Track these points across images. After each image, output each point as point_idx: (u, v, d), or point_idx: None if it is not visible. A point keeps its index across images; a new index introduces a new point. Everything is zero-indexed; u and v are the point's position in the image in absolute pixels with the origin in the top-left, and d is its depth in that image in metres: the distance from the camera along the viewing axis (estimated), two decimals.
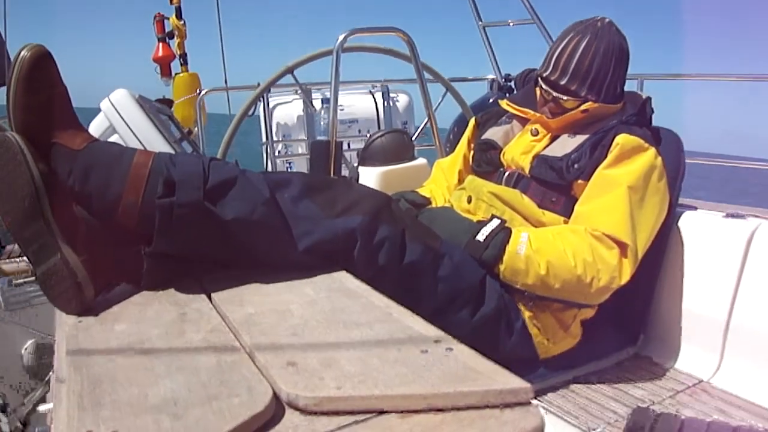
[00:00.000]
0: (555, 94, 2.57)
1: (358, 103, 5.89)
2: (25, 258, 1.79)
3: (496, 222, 2.33)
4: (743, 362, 2.60)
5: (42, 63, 1.69)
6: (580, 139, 2.50)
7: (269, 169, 5.71)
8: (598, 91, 2.55)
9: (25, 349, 3.35)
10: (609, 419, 2.35)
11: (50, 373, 3.25)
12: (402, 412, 1.08)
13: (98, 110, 3.45)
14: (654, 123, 2.66)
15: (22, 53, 1.66)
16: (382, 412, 1.08)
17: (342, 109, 6.17)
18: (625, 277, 2.32)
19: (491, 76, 6.23)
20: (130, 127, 3.18)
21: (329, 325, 1.42)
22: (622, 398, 2.49)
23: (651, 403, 2.44)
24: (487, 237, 2.27)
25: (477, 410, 1.08)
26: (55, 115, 1.72)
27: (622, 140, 2.40)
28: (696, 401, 2.49)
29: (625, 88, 2.71)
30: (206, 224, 1.72)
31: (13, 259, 3.58)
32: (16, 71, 1.66)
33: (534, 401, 1.11)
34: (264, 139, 5.90)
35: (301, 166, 6.39)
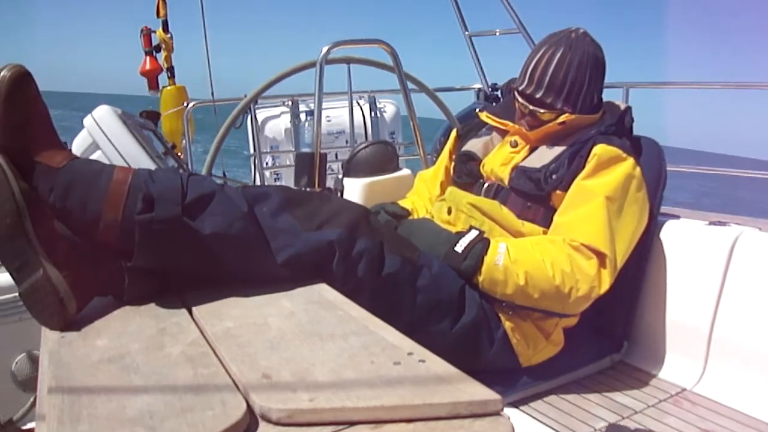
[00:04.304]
0: (531, 107, 2.59)
1: (344, 114, 5.91)
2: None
3: (474, 233, 2.34)
4: (726, 370, 2.62)
5: (22, 83, 1.70)
6: (559, 150, 2.52)
7: (257, 180, 5.74)
8: (575, 102, 2.56)
9: (16, 362, 3.35)
10: (594, 426, 2.37)
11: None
12: (373, 423, 1.09)
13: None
14: (639, 127, 2.68)
15: (2, 73, 1.67)
16: (353, 424, 1.09)
17: (329, 121, 6.20)
18: (604, 287, 2.33)
19: (478, 86, 6.25)
20: (113, 144, 3.19)
21: (305, 338, 1.43)
22: (606, 405, 2.50)
23: (633, 412, 2.46)
24: (465, 248, 2.29)
25: (446, 421, 1.10)
26: (35, 134, 1.73)
27: (600, 151, 2.42)
28: (679, 409, 2.50)
29: (611, 97, 2.73)
30: (185, 239, 1.73)
31: None
32: None
33: (504, 412, 1.13)
34: (252, 150, 5.92)
35: (289, 177, 6.41)
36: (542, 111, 2.58)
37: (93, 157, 3.19)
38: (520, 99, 2.64)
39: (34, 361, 3.35)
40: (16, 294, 3.10)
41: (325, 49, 3.44)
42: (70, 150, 1.86)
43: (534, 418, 2.39)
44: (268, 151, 6.60)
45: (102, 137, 3.22)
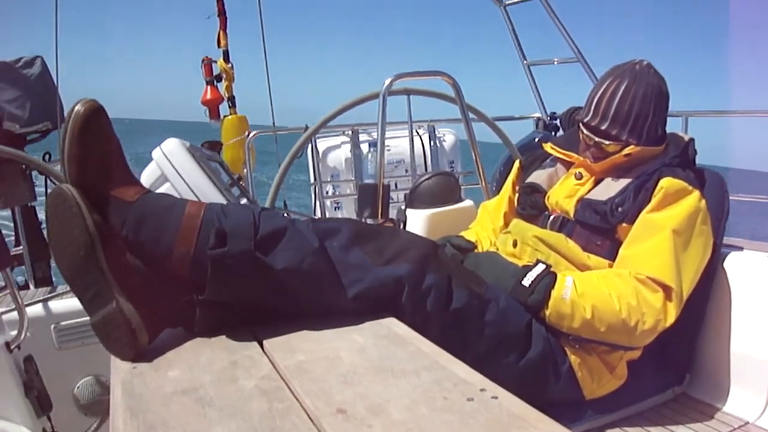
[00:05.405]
0: (596, 139, 2.59)
1: (404, 144, 5.94)
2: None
3: (541, 267, 2.34)
4: None
5: (95, 117, 1.73)
6: (624, 182, 2.52)
7: (318, 209, 5.77)
8: (639, 134, 2.56)
9: (78, 386, 3.40)
10: None
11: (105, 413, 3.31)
12: None
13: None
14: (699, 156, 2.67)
15: (76, 108, 1.71)
16: None
17: (389, 150, 6.23)
18: (670, 320, 2.31)
19: (537, 115, 6.26)
20: (182, 177, 3.23)
21: (378, 373, 1.44)
22: None
23: None
24: (532, 282, 2.28)
25: None
26: (108, 168, 1.77)
27: (666, 184, 2.41)
28: None
29: (668, 127, 2.73)
30: (257, 274, 1.74)
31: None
32: (71, 126, 1.70)
33: None
34: (312, 180, 5.96)
35: (349, 206, 6.45)
36: (607, 143, 2.58)
37: (161, 189, 3.25)
38: (585, 130, 2.64)
39: (96, 385, 3.40)
40: (79, 319, 3.17)
41: (388, 81, 3.46)
42: (141, 184, 1.89)
43: None
44: (329, 180, 6.64)
45: (171, 170, 3.27)
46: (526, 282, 2.29)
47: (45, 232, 4.32)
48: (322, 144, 6.66)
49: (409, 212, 3.60)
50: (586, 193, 2.59)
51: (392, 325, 1.80)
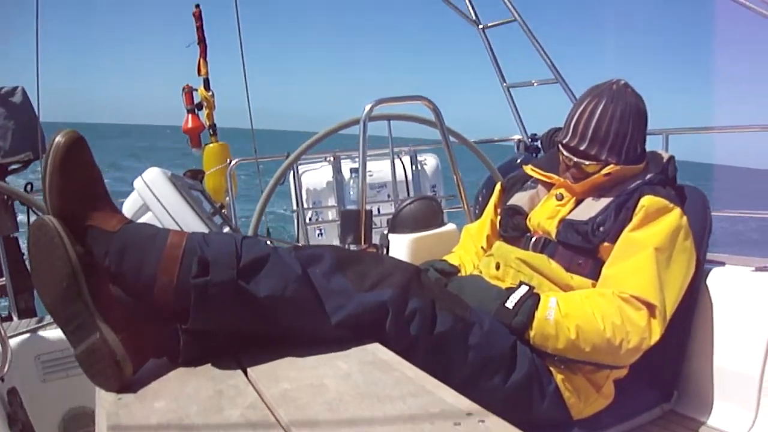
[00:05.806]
0: (576, 159, 2.60)
1: (386, 168, 5.94)
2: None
3: (524, 288, 2.34)
4: None
5: (76, 148, 1.73)
6: (605, 201, 2.53)
7: (300, 235, 5.76)
8: (618, 153, 2.57)
9: (63, 419, 3.38)
10: None
11: None
12: None
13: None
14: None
15: (57, 139, 1.71)
16: None
17: (371, 175, 6.23)
18: (655, 338, 2.31)
19: (518, 137, 6.27)
20: (163, 206, 3.23)
21: (363, 400, 1.44)
22: None
23: None
24: (516, 304, 2.28)
25: None
26: (89, 198, 1.77)
27: (647, 202, 2.42)
28: None
29: (649, 145, 2.74)
30: (240, 302, 1.75)
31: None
32: (51, 156, 1.70)
33: None
34: (294, 206, 5.95)
35: (332, 232, 6.44)
36: (587, 163, 2.59)
37: (143, 219, 3.24)
38: (564, 152, 2.65)
39: (81, 417, 3.38)
40: (63, 350, 3.15)
41: (368, 107, 3.46)
42: (123, 214, 1.89)
43: None
44: (311, 206, 6.63)
45: (152, 199, 3.27)
46: (510, 304, 2.29)
47: (27, 263, 4.30)
48: (304, 170, 6.65)
49: (392, 237, 3.60)
50: (568, 214, 2.60)
51: (377, 350, 1.80)
